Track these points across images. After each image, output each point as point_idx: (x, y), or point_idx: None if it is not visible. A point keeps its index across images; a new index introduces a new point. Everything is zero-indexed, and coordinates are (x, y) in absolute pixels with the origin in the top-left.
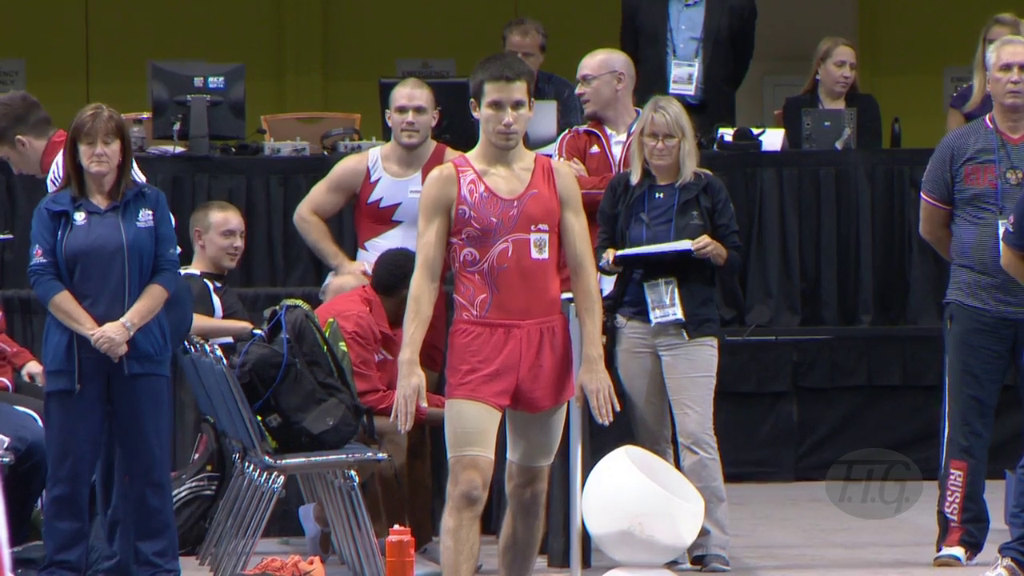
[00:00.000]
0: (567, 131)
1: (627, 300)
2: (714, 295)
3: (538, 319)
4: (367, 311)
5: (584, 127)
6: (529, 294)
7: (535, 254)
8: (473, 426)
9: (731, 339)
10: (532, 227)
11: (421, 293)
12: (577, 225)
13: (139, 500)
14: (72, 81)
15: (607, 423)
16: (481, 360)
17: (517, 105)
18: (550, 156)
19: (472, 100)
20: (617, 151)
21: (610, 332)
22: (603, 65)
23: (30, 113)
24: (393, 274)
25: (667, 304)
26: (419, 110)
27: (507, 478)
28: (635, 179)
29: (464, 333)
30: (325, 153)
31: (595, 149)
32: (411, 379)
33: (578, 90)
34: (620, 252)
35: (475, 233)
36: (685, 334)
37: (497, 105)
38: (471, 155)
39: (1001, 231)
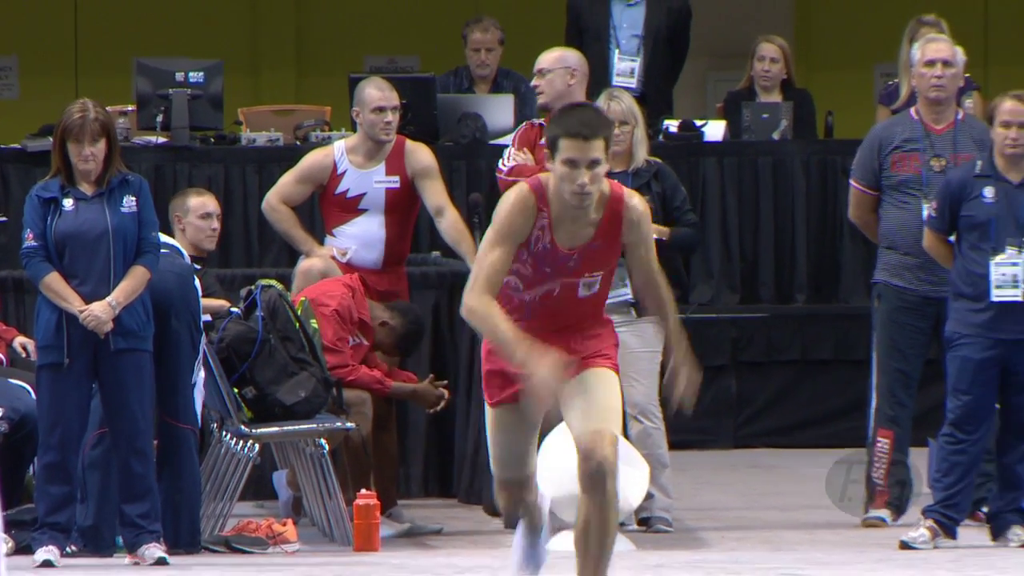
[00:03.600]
0: (524, 123)
1: None
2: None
3: (574, 331)
4: (350, 296)
5: (539, 120)
6: (569, 319)
7: (582, 293)
8: (506, 446)
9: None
10: (586, 275)
11: (492, 308)
12: (647, 255)
13: (124, 466)
14: (62, 76)
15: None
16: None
17: (593, 164)
18: (623, 190)
19: (547, 151)
20: None
21: None
22: (558, 60)
23: None
24: (410, 338)
25: (619, 285)
26: (395, 110)
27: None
28: None
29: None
30: (298, 143)
31: (544, 142)
32: (544, 354)
33: (533, 82)
34: None
35: (526, 273)
36: (634, 312)
37: (572, 164)
38: (549, 188)
39: (925, 215)
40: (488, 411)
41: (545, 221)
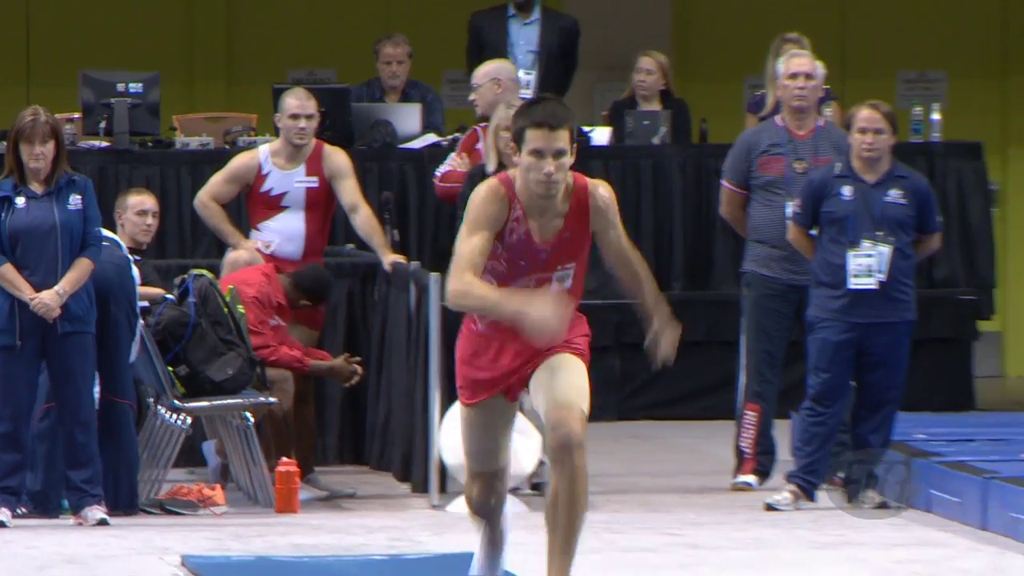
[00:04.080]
0: (469, 129)
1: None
2: None
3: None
4: (267, 282)
5: (480, 126)
6: None
7: (555, 287)
8: (479, 441)
9: None
10: (558, 267)
11: (476, 282)
12: (618, 239)
13: (69, 437)
14: (15, 86)
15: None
16: (479, 367)
17: (559, 154)
18: (587, 180)
19: (512, 144)
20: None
21: None
22: (485, 75)
23: None
24: (319, 286)
25: None
26: (309, 117)
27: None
28: (491, 168)
29: (470, 342)
30: (227, 147)
31: (481, 145)
32: (533, 297)
33: (471, 97)
34: None
35: (500, 268)
36: None
37: (538, 153)
38: (515, 183)
39: (789, 211)
40: (462, 410)
41: (519, 213)
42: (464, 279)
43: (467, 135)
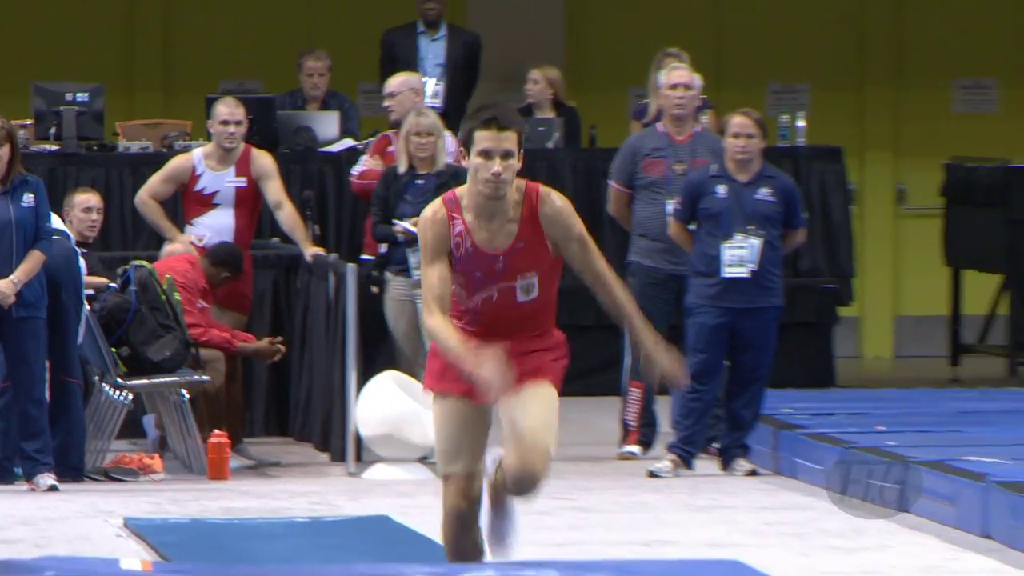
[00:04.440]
0: (380, 134)
1: (394, 260)
2: None
3: (521, 337)
4: (191, 269)
5: (391, 132)
6: (514, 325)
7: (521, 297)
8: (452, 440)
9: None
10: (519, 276)
11: (442, 326)
12: (582, 253)
13: (23, 411)
14: None
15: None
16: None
17: (507, 155)
18: (540, 187)
19: (461, 148)
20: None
21: (380, 284)
22: (403, 84)
23: None
24: (232, 257)
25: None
26: (238, 123)
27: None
28: (402, 169)
29: (441, 377)
30: (164, 151)
31: (391, 148)
32: (483, 357)
33: (385, 103)
34: (403, 225)
35: (460, 281)
36: None
37: (486, 154)
38: (462, 197)
39: (670, 208)
40: (436, 405)
41: (460, 227)
42: (434, 318)
43: (378, 139)
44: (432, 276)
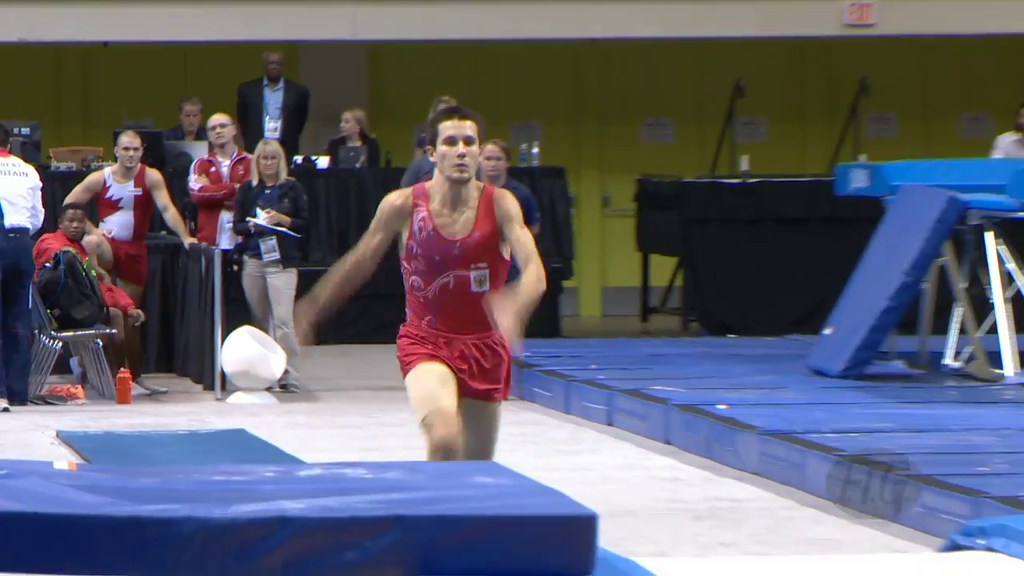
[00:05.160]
0: (196, 159)
1: (249, 247)
2: (295, 246)
3: (478, 334)
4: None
5: (207, 157)
6: (469, 320)
7: (475, 288)
8: (429, 387)
9: (301, 269)
10: (472, 266)
11: (341, 267)
12: (518, 236)
13: None
14: None
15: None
16: (429, 347)
17: (469, 141)
18: (495, 188)
19: (428, 146)
20: (225, 170)
21: (239, 264)
22: (221, 120)
23: None
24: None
25: (272, 250)
26: (135, 149)
27: None
28: (255, 183)
29: (410, 336)
30: (84, 169)
31: (213, 169)
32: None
33: (212, 137)
34: (255, 221)
35: (420, 266)
36: (281, 266)
37: (451, 141)
38: (430, 188)
39: None
40: (411, 373)
41: (424, 213)
42: (344, 261)
43: (199, 162)
44: (365, 242)
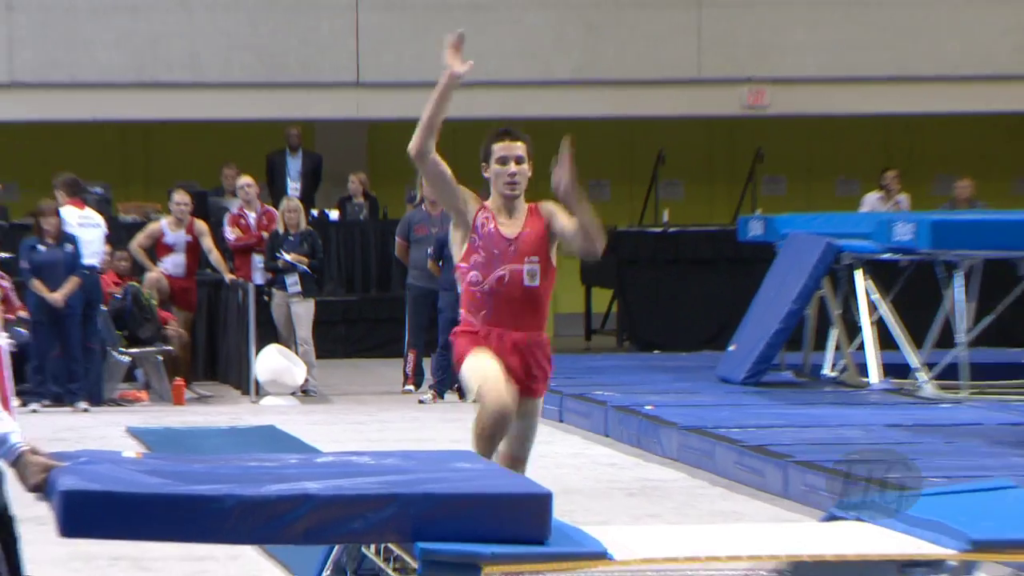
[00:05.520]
0: (229, 213)
1: (277, 282)
2: (313, 281)
3: (526, 332)
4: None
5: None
6: (520, 313)
7: (527, 282)
8: (484, 367)
9: (317, 299)
10: (526, 259)
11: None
12: (566, 221)
13: (69, 366)
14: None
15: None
16: (482, 341)
17: (519, 160)
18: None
19: (483, 164)
20: (252, 221)
21: (269, 296)
22: (248, 182)
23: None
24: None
25: (295, 284)
26: (185, 204)
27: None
28: (281, 230)
29: (466, 334)
30: (145, 220)
31: (243, 220)
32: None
33: (241, 195)
34: (282, 260)
35: (480, 260)
36: (302, 297)
37: (503, 160)
38: (489, 202)
39: (428, 252)
40: (467, 360)
41: (488, 214)
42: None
43: (231, 216)
44: (444, 166)
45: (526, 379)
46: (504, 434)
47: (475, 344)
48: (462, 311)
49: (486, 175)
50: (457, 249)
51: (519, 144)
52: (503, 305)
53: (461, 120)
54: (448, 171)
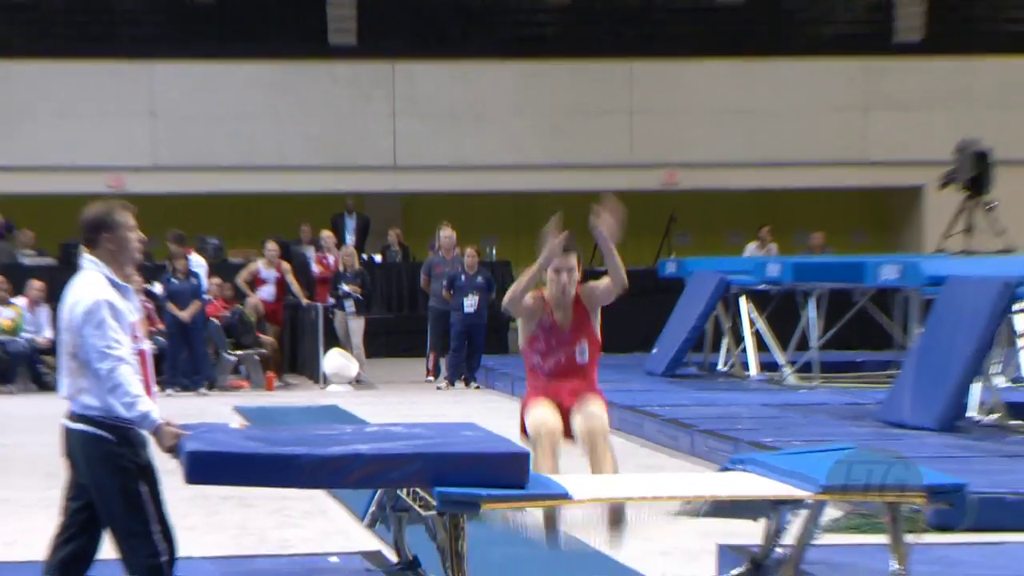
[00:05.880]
0: (318, 255)
1: (339, 304)
2: (363, 305)
3: (579, 392)
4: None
5: (320, 254)
6: (573, 382)
7: (578, 359)
8: (541, 415)
9: (367, 317)
10: (576, 344)
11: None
12: (599, 285)
13: (195, 362)
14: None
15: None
16: (540, 392)
17: (571, 271)
18: (580, 286)
19: (542, 262)
20: (331, 261)
21: (333, 315)
22: (329, 238)
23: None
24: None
25: (352, 307)
26: (275, 251)
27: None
28: (342, 269)
29: (531, 397)
30: (247, 261)
31: (324, 260)
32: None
33: (323, 242)
34: (343, 290)
35: (541, 348)
36: (356, 315)
37: (557, 271)
38: (548, 297)
39: (444, 283)
40: (529, 409)
41: (548, 309)
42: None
43: (317, 256)
44: (521, 295)
45: (578, 399)
46: (549, 444)
47: (534, 401)
48: (527, 385)
49: (544, 277)
50: (522, 332)
51: (572, 257)
52: (560, 378)
53: (469, 193)
54: (526, 303)
